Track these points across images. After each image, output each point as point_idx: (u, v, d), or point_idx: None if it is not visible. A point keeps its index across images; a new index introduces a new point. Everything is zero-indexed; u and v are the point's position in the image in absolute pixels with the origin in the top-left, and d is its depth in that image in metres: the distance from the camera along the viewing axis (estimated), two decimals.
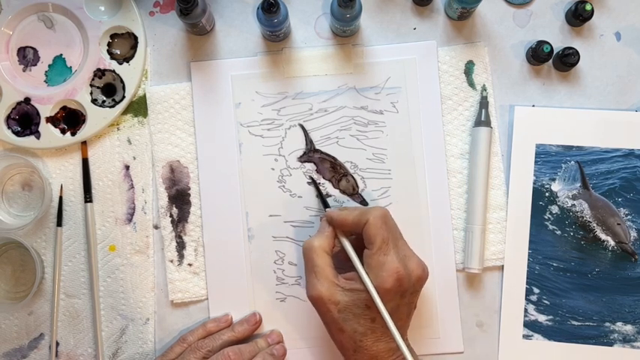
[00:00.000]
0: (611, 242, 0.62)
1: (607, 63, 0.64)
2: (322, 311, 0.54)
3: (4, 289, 0.64)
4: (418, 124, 0.63)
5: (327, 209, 0.58)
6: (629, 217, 0.62)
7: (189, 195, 0.63)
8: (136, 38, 0.64)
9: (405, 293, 0.53)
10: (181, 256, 0.63)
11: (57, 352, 0.63)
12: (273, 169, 0.63)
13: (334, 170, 0.63)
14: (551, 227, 0.62)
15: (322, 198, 0.61)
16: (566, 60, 0.61)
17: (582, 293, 0.62)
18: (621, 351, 0.61)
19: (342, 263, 0.56)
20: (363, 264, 0.54)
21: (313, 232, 0.63)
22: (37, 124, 0.63)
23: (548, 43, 0.61)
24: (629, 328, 0.61)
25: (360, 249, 0.55)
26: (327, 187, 0.63)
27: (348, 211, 0.56)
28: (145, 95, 0.64)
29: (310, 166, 0.63)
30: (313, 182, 0.62)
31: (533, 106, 0.63)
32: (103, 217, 0.64)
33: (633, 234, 0.62)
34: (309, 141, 0.63)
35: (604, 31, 0.64)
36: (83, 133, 0.63)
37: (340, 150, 0.63)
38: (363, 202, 0.63)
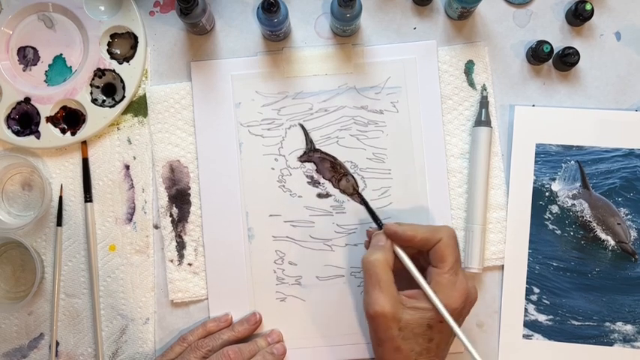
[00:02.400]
0: (611, 242, 0.62)
1: (607, 63, 0.64)
2: (382, 328, 0.51)
3: (4, 289, 0.64)
4: (418, 123, 0.63)
5: (388, 223, 0.55)
6: (629, 216, 0.62)
7: (189, 195, 0.63)
8: (136, 38, 0.64)
9: (464, 313, 0.53)
10: (181, 256, 0.63)
11: (57, 351, 0.63)
12: (273, 168, 0.63)
13: (334, 170, 0.63)
14: (551, 227, 0.62)
15: (373, 213, 0.59)
16: (566, 60, 0.61)
17: (582, 293, 0.62)
18: (621, 351, 0.61)
19: (395, 279, 0.54)
20: (427, 282, 0.53)
21: (313, 231, 0.63)
22: (37, 124, 0.63)
23: (548, 42, 0.61)
24: (629, 328, 0.61)
25: (417, 265, 0.54)
26: (327, 186, 0.63)
27: (414, 227, 0.54)
28: (145, 95, 0.64)
29: (310, 166, 0.63)
30: (362, 199, 0.61)
31: (534, 105, 0.63)
32: (103, 217, 0.64)
33: (633, 234, 0.62)
34: (309, 141, 0.63)
35: (604, 31, 0.64)
36: (83, 132, 0.63)
37: (340, 150, 0.63)
38: (363, 202, 0.63)
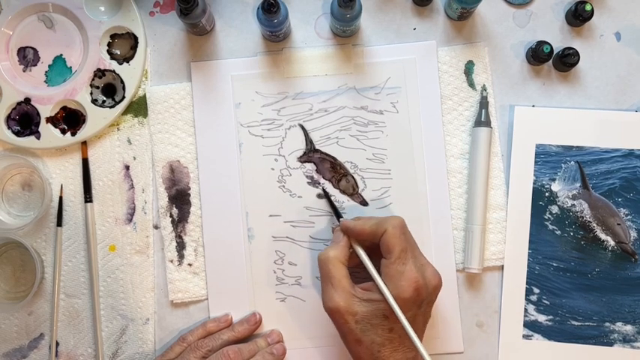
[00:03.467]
0: (611, 242, 0.62)
1: (607, 63, 0.64)
2: (339, 322, 0.53)
3: (4, 289, 0.64)
4: (418, 124, 0.63)
5: (342, 219, 0.57)
6: (629, 217, 0.62)
7: (189, 195, 0.63)
8: (136, 38, 0.64)
9: (422, 303, 0.53)
10: (181, 256, 0.63)
11: (57, 352, 0.63)
12: (273, 169, 0.63)
13: (334, 170, 0.63)
14: (551, 227, 0.62)
15: (334, 208, 0.61)
16: (566, 60, 0.61)
17: (582, 293, 0.62)
18: (621, 351, 0.61)
19: (357, 273, 0.56)
20: (379, 274, 0.53)
21: (313, 232, 0.63)
22: (37, 124, 0.63)
23: (548, 43, 0.61)
24: (629, 328, 0.61)
25: (374, 258, 0.55)
26: (327, 187, 0.63)
27: (364, 221, 0.55)
28: (145, 95, 0.64)
29: (310, 166, 0.63)
30: (325, 193, 0.62)
31: (533, 106, 0.63)
32: (103, 217, 0.64)
33: (633, 234, 0.62)
34: (309, 141, 0.63)
35: (604, 31, 0.64)
36: (83, 133, 0.63)
37: (340, 150, 0.63)
38: (363, 202, 0.63)
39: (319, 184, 0.63)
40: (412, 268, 0.52)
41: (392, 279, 0.52)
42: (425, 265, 0.54)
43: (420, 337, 0.54)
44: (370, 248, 0.56)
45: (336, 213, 0.61)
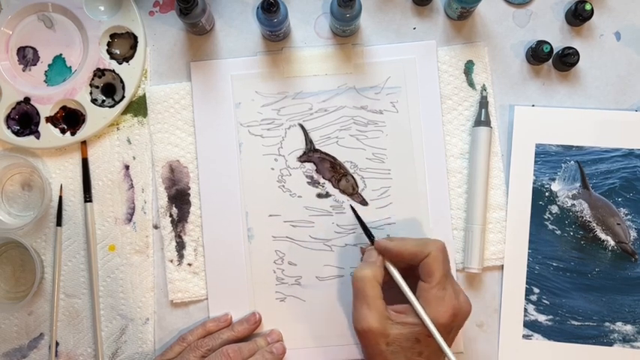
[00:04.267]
0: (611, 242, 0.62)
1: (607, 63, 0.64)
2: (370, 343, 0.52)
3: (4, 289, 0.64)
4: (418, 123, 0.63)
5: (376, 239, 0.56)
6: (629, 216, 0.62)
7: (189, 195, 0.63)
8: (135, 38, 0.64)
9: (453, 329, 0.53)
10: (181, 256, 0.63)
11: (57, 352, 0.63)
12: (273, 168, 0.63)
13: (334, 170, 0.63)
14: (551, 227, 0.62)
15: (366, 228, 0.58)
16: (566, 60, 0.61)
17: (582, 293, 0.62)
18: (621, 351, 0.61)
19: (387, 293, 0.54)
20: (416, 296, 0.53)
21: (313, 231, 0.63)
22: (37, 124, 0.63)
23: (548, 43, 0.61)
24: (629, 328, 0.61)
25: (406, 279, 0.54)
26: (327, 186, 0.63)
27: (402, 242, 0.54)
28: (144, 95, 0.64)
29: (310, 166, 0.63)
30: (355, 213, 0.59)
31: (533, 106, 0.63)
32: (102, 217, 0.64)
33: (633, 234, 0.62)
34: (308, 141, 0.63)
35: (604, 31, 0.64)
36: (83, 132, 0.63)
37: (340, 150, 0.63)
38: (363, 202, 0.63)
39: (319, 183, 0.63)
40: (451, 293, 0.52)
41: (431, 303, 0.52)
42: (458, 292, 0.54)
43: None
44: (402, 269, 0.55)
45: (368, 233, 0.58)
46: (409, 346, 0.52)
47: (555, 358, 0.61)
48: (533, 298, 0.62)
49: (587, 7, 0.61)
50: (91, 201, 0.64)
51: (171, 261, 0.63)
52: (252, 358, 0.58)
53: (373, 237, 0.57)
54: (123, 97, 0.63)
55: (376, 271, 0.54)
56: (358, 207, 0.63)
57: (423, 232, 0.62)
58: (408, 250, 0.54)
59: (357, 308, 0.53)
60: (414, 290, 0.53)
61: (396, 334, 0.51)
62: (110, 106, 0.63)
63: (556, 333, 0.61)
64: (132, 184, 0.64)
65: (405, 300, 0.53)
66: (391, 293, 0.54)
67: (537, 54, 0.61)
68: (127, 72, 0.63)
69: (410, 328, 0.52)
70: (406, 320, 0.52)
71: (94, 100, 0.64)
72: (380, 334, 0.51)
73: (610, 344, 0.61)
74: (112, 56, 0.64)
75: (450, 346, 0.53)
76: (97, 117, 0.63)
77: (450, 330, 0.53)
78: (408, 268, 0.54)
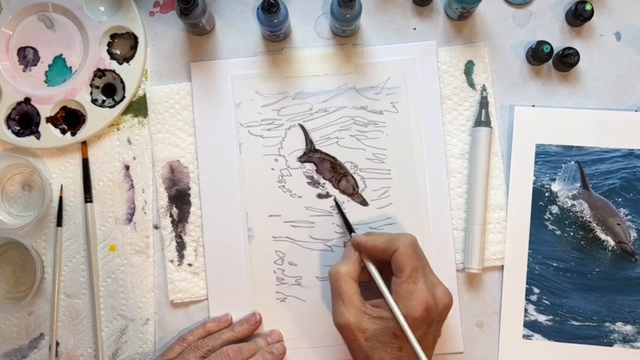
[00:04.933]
0: (611, 242, 0.62)
1: (607, 63, 0.64)
2: (349, 339, 0.53)
3: (4, 289, 0.64)
4: (418, 124, 0.63)
5: (354, 234, 0.57)
6: (629, 217, 0.62)
7: (189, 195, 0.63)
8: (136, 38, 0.64)
9: (433, 322, 0.53)
10: (181, 256, 0.63)
11: (57, 352, 0.63)
12: (273, 169, 0.63)
13: (334, 170, 0.63)
14: (551, 227, 0.62)
15: (347, 222, 0.60)
16: (566, 60, 0.61)
17: (582, 293, 0.62)
18: (621, 351, 0.61)
19: (367, 289, 0.55)
20: (390, 291, 0.53)
21: (313, 232, 0.63)
22: (37, 124, 0.63)
23: (548, 43, 0.61)
24: (629, 328, 0.61)
25: (384, 274, 0.55)
26: (327, 187, 0.63)
27: (376, 237, 0.55)
28: (145, 95, 0.64)
29: (310, 166, 0.63)
30: (337, 206, 0.62)
31: (533, 106, 0.63)
32: (103, 217, 0.64)
33: (633, 234, 0.62)
34: (309, 141, 0.63)
35: (604, 31, 0.64)
36: (83, 133, 0.63)
37: (340, 150, 0.63)
38: (363, 202, 0.63)
39: (319, 184, 0.63)
40: (423, 287, 0.52)
41: (402, 298, 0.52)
42: (435, 284, 0.54)
43: (430, 356, 0.54)
44: (381, 264, 0.55)
45: (348, 227, 0.60)
46: (387, 341, 0.52)
47: (555, 359, 0.61)
48: (534, 298, 0.62)
49: (588, 7, 0.61)
50: (91, 201, 0.64)
51: (172, 261, 0.63)
52: (253, 358, 0.58)
53: (353, 231, 0.58)
54: (123, 97, 0.63)
55: (351, 267, 0.55)
56: (358, 207, 0.63)
57: (422, 232, 0.62)
58: (379, 245, 0.54)
59: (334, 304, 0.54)
60: (389, 285, 0.54)
61: (373, 329, 0.52)
62: (110, 107, 0.63)
63: (556, 333, 0.61)
64: (132, 184, 0.64)
65: (382, 296, 0.54)
66: (374, 290, 0.55)
67: (537, 54, 0.61)
68: (128, 72, 0.63)
69: (385, 323, 0.52)
70: (382, 315, 0.52)
71: (94, 101, 0.64)
72: (357, 329, 0.52)
73: (610, 344, 0.61)
74: (113, 56, 0.64)
75: (435, 339, 0.54)
76: (97, 117, 0.63)
77: (430, 323, 0.53)
78: (386, 263, 0.55)
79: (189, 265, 0.63)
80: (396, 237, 0.54)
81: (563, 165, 0.62)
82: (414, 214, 0.62)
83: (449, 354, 0.62)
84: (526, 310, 0.62)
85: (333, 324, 0.54)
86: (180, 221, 0.63)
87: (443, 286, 0.54)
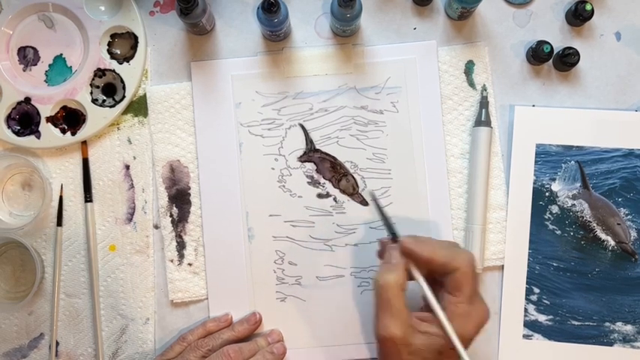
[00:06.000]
0: (611, 242, 0.62)
1: (607, 63, 0.64)
2: (390, 352, 0.49)
3: (4, 289, 0.64)
4: (418, 123, 0.63)
5: (403, 238, 0.52)
6: (629, 217, 0.62)
7: (189, 195, 0.63)
8: (136, 38, 0.64)
9: (475, 338, 0.51)
10: (181, 256, 0.63)
11: (57, 351, 0.63)
12: (273, 168, 0.63)
13: (334, 170, 0.63)
14: (551, 227, 0.62)
15: (388, 223, 0.54)
16: (566, 60, 0.61)
17: (582, 293, 0.62)
18: (621, 351, 0.61)
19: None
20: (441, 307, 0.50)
21: (313, 231, 0.63)
22: (38, 124, 0.63)
23: (548, 43, 0.61)
24: (629, 328, 0.61)
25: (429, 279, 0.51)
26: (327, 186, 0.63)
27: (432, 248, 0.51)
28: (145, 95, 0.64)
29: (310, 166, 0.63)
30: (376, 204, 0.55)
31: (534, 106, 0.63)
32: (103, 217, 0.64)
33: (633, 234, 0.62)
34: (309, 141, 0.63)
35: (604, 31, 0.64)
36: (83, 132, 0.63)
37: (340, 150, 0.63)
38: (363, 202, 0.63)
39: (319, 183, 0.63)
40: (477, 308, 0.50)
41: (458, 318, 0.49)
42: (482, 303, 0.52)
43: None
44: (419, 267, 0.52)
45: (390, 228, 0.53)
46: (432, 357, 0.49)
47: (555, 358, 0.61)
48: (534, 298, 0.62)
49: (588, 7, 0.61)
50: (91, 201, 0.64)
51: (172, 261, 0.63)
52: (253, 358, 0.58)
53: (397, 234, 0.53)
54: (123, 97, 0.63)
55: (400, 277, 0.50)
56: (358, 207, 0.63)
57: (423, 232, 0.62)
58: (437, 260, 0.50)
59: (379, 316, 0.50)
60: (435, 295, 0.51)
61: (418, 345, 0.49)
62: (110, 106, 0.63)
63: (556, 333, 0.61)
64: (132, 184, 0.64)
65: (426, 305, 0.51)
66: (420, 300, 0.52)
67: (537, 54, 0.61)
68: (128, 72, 0.63)
69: (432, 339, 0.49)
70: (430, 330, 0.50)
71: (94, 100, 0.64)
72: (403, 344, 0.49)
73: (610, 344, 0.61)
74: (113, 56, 0.64)
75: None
76: (97, 117, 0.63)
77: (472, 341, 0.51)
78: (428, 270, 0.52)
79: (189, 264, 0.63)
80: (456, 254, 0.50)
81: (563, 165, 0.62)
82: (414, 213, 0.62)
83: None
84: (526, 310, 0.62)
85: (375, 335, 0.50)
86: (180, 221, 0.63)
87: (484, 302, 0.52)
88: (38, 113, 0.63)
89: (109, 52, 0.64)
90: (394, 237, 0.53)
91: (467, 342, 0.50)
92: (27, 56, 0.65)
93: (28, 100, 0.63)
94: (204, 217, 0.63)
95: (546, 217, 0.62)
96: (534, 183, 0.62)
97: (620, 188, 0.62)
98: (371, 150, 0.63)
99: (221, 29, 0.65)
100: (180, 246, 0.63)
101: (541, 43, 0.61)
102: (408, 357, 0.49)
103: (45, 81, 0.64)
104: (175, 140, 0.64)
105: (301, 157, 0.63)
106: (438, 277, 0.52)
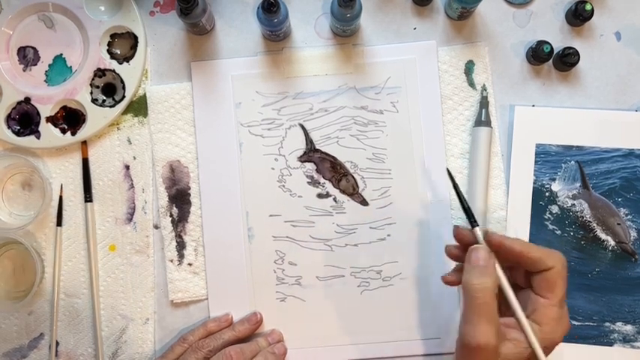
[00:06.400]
0: (611, 242, 0.62)
1: (607, 63, 0.64)
2: None
3: (5, 288, 0.64)
4: (418, 123, 0.63)
5: (493, 233, 0.48)
6: (629, 216, 0.62)
7: (189, 195, 0.63)
8: (136, 38, 0.64)
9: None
10: (181, 256, 0.63)
11: (57, 351, 0.63)
12: (273, 168, 0.63)
13: (334, 170, 0.63)
14: (551, 227, 0.62)
15: (468, 209, 0.50)
16: (566, 60, 0.61)
17: (582, 293, 0.62)
18: (621, 351, 0.61)
19: None
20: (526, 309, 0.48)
21: (314, 231, 0.63)
22: (38, 124, 0.63)
23: (548, 43, 0.61)
24: (629, 328, 0.61)
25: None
26: (327, 186, 0.63)
27: (526, 244, 0.48)
28: (145, 95, 0.64)
29: (310, 166, 0.63)
30: (455, 189, 0.52)
31: (533, 106, 0.63)
32: (103, 217, 0.64)
33: (633, 234, 0.62)
34: (309, 141, 0.63)
35: (604, 31, 0.64)
36: (83, 132, 0.63)
37: (340, 150, 0.63)
38: (363, 202, 0.63)
39: (319, 183, 0.63)
40: (566, 313, 0.48)
41: (551, 322, 0.47)
42: (566, 306, 0.49)
43: None
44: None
45: (470, 216, 0.50)
46: None
47: (555, 358, 0.61)
48: None
49: (588, 7, 0.61)
50: (91, 201, 0.64)
51: (172, 261, 0.63)
52: (255, 358, 0.58)
53: (477, 224, 0.49)
54: (123, 97, 0.63)
55: (495, 280, 0.47)
56: (358, 207, 0.63)
57: (423, 232, 0.62)
58: (531, 256, 0.47)
59: (472, 322, 0.46)
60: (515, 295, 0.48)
61: (506, 354, 0.46)
62: (110, 106, 0.63)
63: None
64: (132, 184, 0.64)
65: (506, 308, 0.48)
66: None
67: (537, 54, 0.61)
68: (128, 72, 0.63)
69: (521, 348, 0.46)
70: (517, 337, 0.47)
71: (94, 100, 0.64)
72: (493, 352, 0.45)
73: (610, 344, 0.61)
74: (113, 56, 0.64)
75: None
76: (97, 117, 0.63)
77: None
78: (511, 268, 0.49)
79: (189, 264, 0.63)
80: (551, 252, 0.48)
81: (563, 165, 0.62)
82: (414, 213, 0.62)
83: (449, 354, 0.62)
84: None
85: (463, 342, 0.46)
86: (180, 221, 0.63)
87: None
88: (38, 113, 0.63)
89: (109, 52, 0.64)
90: (473, 227, 0.50)
91: (554, 347, 0.48)
92: (27, 56, 0.65)
93: (28, 100, 0.63)
94: (204, 217, 0.63)
95: (546, 217, 0.62)
96: (534, 183, 0.62)
97: (620, 188, 0.62)
98: (371, 150, 0.63)
99: (221, 29, 0.65)
100: (180, 246, 0.63)
101: (541, 43, 0.61)
102: None
103: (45, 81, 0.64)
104: (175, 140, 0.64)
105: (301, 157, 0.63)
106: (519, 274, 0.49)
